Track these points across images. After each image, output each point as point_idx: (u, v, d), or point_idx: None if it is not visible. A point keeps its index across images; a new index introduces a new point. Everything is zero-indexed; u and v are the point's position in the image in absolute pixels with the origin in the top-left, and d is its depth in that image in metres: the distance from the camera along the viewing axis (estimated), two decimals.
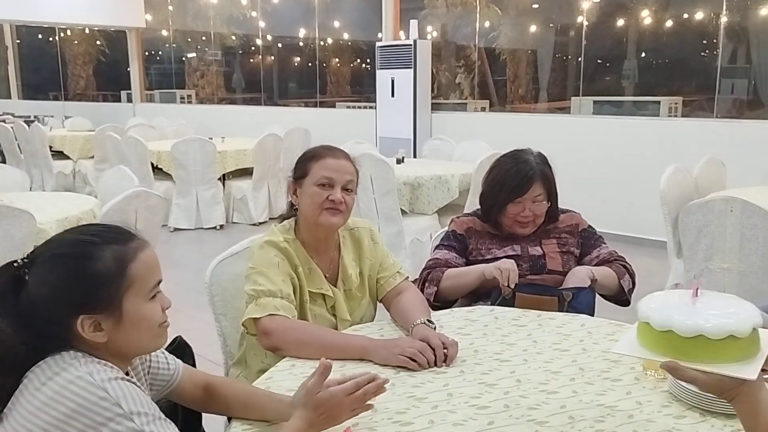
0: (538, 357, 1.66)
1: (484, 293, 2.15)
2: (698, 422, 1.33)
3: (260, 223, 6.60)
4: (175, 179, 6.53)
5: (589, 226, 2.31)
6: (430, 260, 2.25)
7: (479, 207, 2.36)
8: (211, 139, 6.69)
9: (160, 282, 1.22)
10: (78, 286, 1.12)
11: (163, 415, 1.12)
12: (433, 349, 1.60)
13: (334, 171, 1.82)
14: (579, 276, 2.11)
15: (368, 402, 1.31)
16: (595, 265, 2.21)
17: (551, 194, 2.25)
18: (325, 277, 1.86)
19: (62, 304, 1.12)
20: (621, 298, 2.21)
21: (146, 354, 1.32)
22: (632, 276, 2.20)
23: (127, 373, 1.22)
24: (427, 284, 2.17)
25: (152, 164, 6.53)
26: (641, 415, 1.35)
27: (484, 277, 2.08)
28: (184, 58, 11.85)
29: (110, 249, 1.15)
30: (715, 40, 5.79)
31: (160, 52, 12.22)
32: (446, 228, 2.39)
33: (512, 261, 2.07)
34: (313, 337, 1.67)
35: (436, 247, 2.30)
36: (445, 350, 1.60)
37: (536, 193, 2.19)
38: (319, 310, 1.85)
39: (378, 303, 2.02)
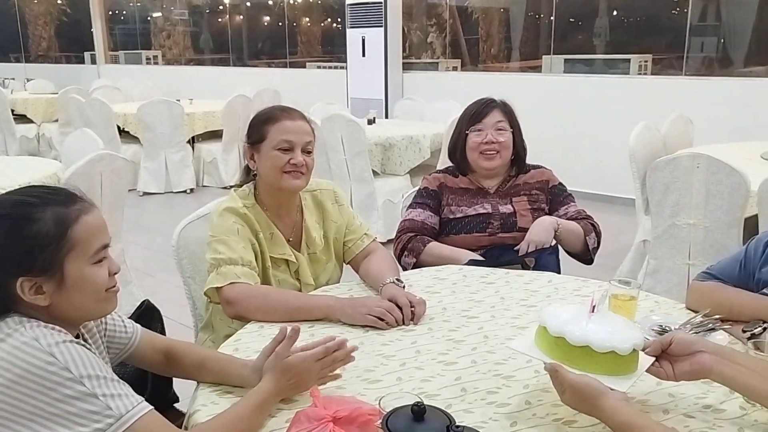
0: (506, 313, 1.67)
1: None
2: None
3: (231, 186, 6.51)
4: (143, 142, 6.41)
5: (560, 183, 2.31)
6: (405, 220, 2.24)
7: (451, 165, 2.35)
8: (178, 101, 6.55)
9: (106, 246, 1.19)
10: (16, 248, 1.09)
11: (116, 377, 1.11)
12: (400, 308, 1.60)
13: (293, 133, 1.78)
14: (543, 225, 2.11)
15: (335, 371, 1.32)
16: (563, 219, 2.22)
17: (514, 127, 2.25)
18: (288, 241, 1.85)
19: (1, 266, 1.09)
20: (585, 256, 2.22)
21: (94, 319, 1.29)
22: (598, 235, 2.21)
23: (78, 336, 1.20)
24: (406, 253, 2.16)
25: (119, 127, 6.39)
26: None
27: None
28: (149, 18, 11.53)
29: (51, 210, 1.12)
30: None
31: (124, 12, 11.85)
32: (417, 187, 2.38)
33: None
34: (276, 302, 1.65)
35: (410, 206, 2.28)
36: (413, 309, 1.61)
37: (497, 119, 2.21)
38: (282, 276, 1.84)
39: (345, 265, 2.02)
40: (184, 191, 6.49)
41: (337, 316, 1.62)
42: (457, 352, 1.47)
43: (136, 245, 4.37)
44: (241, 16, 10.30)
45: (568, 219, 2.23)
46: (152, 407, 1.10)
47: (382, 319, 1.58)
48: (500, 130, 2.20)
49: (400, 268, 2.16)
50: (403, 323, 1.60)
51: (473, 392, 1.30)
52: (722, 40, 6.14)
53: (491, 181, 2.28)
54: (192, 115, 6.55)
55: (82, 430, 1.02)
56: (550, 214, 2.27)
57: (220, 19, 10.61)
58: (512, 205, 2.23)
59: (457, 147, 2.27)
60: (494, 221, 2.20)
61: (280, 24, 9.45)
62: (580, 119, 5.98)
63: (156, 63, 11.12)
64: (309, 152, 1.81)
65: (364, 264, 1.91)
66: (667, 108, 4.83)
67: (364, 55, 7.08)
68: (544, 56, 6.71)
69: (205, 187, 6.71)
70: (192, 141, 6.74)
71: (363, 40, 7.04)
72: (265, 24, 10.47)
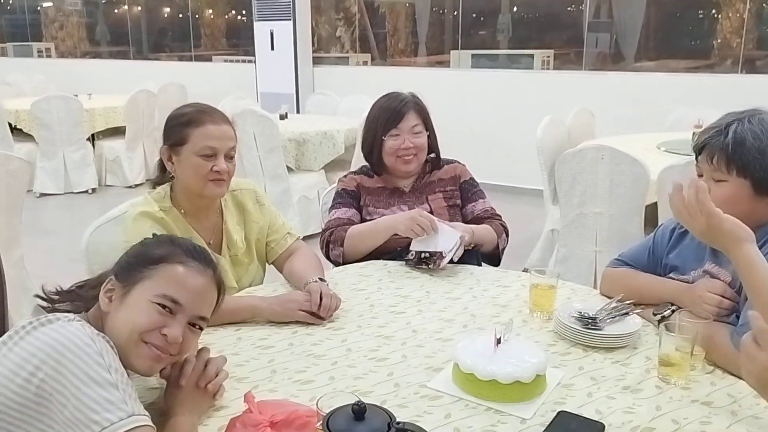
0: (432, 306, 1.70)
1: (385, 252, 2.11)
2: (582, 357, 1.43)
3: (137, 185, 6.26)
4: (38, 140, 6.04)
5: (471, 178, 2.32)
6: (330, 221, 2.19)
7: (365, 164, 2.33)
8: (76, 96, 6.21)
9: None
10: None
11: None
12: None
13: (217, 139, 1.71)
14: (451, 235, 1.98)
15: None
16: (470, 220, 2.21)
17: (428, 127, 2.23)
18: (208, 244, 1.79)
19: None
20: (495, 257, 2.20)
21: None
22: (508, 235, 2.22)
23: None
24: (331, 246, 2.11)
25: (10, 125, 5.99)
26: None
27: (394, 231, 2.02)
28: (39, 8, 10.85)
29: None
30: None
31: (10, 1, 11.10)
32: (334, 186, 2.35)
33: (418, 210, 2.02)
34: None
35: (332, 208, 2.23)
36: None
37: (412, 123, 2.17)
38: None
39: (268, 265, 1.98)
40: (86, 191, 6.16)
41: (265, 316, 1.59)
42: (387, 348, 1.48)
43: (36, 250, 4.11)
44: (140, 7, 9.88)
45: (475, 216, 2.22)
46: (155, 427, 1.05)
47: (314, 314, 1.57)
48: (416, 133, 2.18)
49: (328, 265, 2.13)
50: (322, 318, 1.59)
51: (406, 387, 1.31)
52: (614, 37, 6.47)
53: (406, 180, 2.28)
54: (92, 110, 6.22)
55: (93, 415, 0.98)
56: (460, 209, 2.27)
57: (116, 10, 10.14)
58: (429, 204, 2.22)
59: (374, 150, 2.22)
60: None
61: (182, 16, 9.14)
62: (488, 113, 6.15)
63: (49, 56, 10.49)
64: (231, 157, 1.76)
65: (288, 263, 1.88)
66: (570, 101, 5.04)
67: (273, 48, 6.97)
68: (452, 51, 6.84)
69: (108, 187, 6.40)
70: (92, 138, 6.41)
71: (271, 34, 6.93)
72: (167, 15, 10.10)
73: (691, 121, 4.09)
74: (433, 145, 2.28)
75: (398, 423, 0.98)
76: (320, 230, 2.25)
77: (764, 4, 5.62)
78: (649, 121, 4.84)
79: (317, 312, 1.58)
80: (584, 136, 4.26)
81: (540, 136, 3.69)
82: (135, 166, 6.35)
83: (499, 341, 1.30)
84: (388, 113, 2.19)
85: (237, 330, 1.56)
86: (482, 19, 7.31)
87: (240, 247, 1.84)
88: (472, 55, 6.67)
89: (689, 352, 1.31)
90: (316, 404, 1.08)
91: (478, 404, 1.24)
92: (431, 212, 2.18)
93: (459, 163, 2.35)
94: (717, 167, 1.46)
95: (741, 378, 1.32)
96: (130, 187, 6.23)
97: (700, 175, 1.52)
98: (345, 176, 2.32)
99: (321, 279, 1.73)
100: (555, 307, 1.61)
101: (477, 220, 2.21)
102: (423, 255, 1.94)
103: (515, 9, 7.39)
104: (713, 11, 6.31)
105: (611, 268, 1.75)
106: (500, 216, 2.26)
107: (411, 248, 1.96)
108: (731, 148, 1.44)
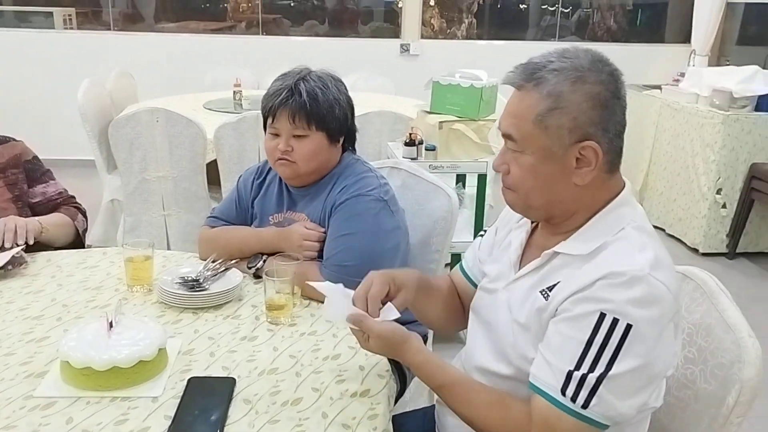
0: (10, 307, 1.47)
1: None
2: (194, 321, 1.44)
3: None
4: None
5: (35, 157, 2.01)
6: None
7: None
8: None
9: None
10: None
11: None
12: None
13: None
14: None
15: None
16: (43, 203, 1.95)
17: None
18: None
19: None
20: (79, 242, 1.96)
21: None
22: (85, 215, 2.01)
23: None
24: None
25: None
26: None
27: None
28: None
29: None
30: None
31: None
32: None
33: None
34: None
35: None
36: None
37: None
38: None
39: None
40: None
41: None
42: None
43: None
44: None
45: (48, 200, 1.96)
46: None
47: None
48: None
49: None
50: None
51: (7, 404, 1.13)
52: None
53: None
54: None
55: None
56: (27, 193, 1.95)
57: None
58: None
59: None
60: None
61: None
62: (17, 80, 5.36)
63: None
64: None
65: None
66: (102, 63, 4.78)
67: None
68: None
69: None
70: None
71: None
72: None
73: (227, 80, 4.32)
74: None
75: None
76: None
77: None
78: (188, 82, 4.93)
79: None
80: (128, 99, 4.11)
81: (81, 101, 3.42)
82: None
83: (111, 325, 1.21)
84: None
85: None
86: None
87: None
88: None
89: (290, 292, 1.44)
90: None
91: (101, 397, 1.14)
92: None
93: (14, 139, 1.98)
94: (299, 125, 1.56)
95: None
96: None
97: (277, 135, 1.59)
98: None
99: None
100: (155, 277, 1.56)
101: (53, 205, 1.96)
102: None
103: None
104: None
105: (206, 227, 1.75)
106: (74, 197, 2.04)
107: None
108: (309, 106, 1.54)
